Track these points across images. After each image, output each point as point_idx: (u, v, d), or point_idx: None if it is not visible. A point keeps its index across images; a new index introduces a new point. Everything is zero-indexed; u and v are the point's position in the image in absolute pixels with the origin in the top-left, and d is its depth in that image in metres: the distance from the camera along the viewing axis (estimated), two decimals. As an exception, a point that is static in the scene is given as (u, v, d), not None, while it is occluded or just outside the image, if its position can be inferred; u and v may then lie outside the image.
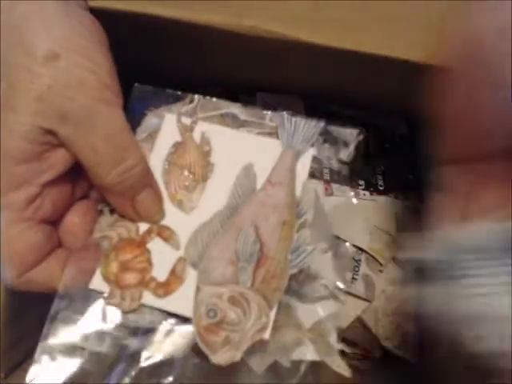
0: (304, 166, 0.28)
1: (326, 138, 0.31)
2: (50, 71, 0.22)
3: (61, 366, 0.24)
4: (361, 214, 0.31)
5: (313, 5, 0.25)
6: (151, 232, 0.27)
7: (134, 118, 0.30)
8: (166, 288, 0.25)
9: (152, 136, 0.30)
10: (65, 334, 0.24)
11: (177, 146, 0.29)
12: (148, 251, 0.26)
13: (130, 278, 0.25)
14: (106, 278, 0.25)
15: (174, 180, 0.28)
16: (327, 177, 0.32)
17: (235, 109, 0.31)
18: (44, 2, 0.22)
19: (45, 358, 0.24)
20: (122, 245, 0.26)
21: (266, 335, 0.24)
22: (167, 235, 0.26)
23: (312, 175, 0.30)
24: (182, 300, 0.25)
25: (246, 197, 0.27)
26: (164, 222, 0.27)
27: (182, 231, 0.27)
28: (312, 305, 0.27)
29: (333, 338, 0.27)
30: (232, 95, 0.44)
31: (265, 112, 0.31)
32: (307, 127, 0.29)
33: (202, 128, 0.29)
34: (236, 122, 0.31)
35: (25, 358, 0.32)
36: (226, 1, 0.25)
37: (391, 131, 0.36)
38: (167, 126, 0.29)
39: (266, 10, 0.25)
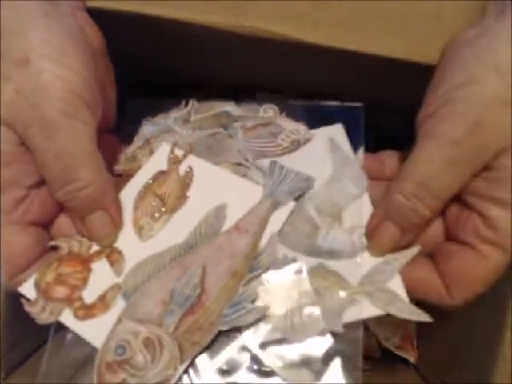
0: (279, 218, 0.26)
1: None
2: (18, 76, 0.21)
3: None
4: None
5: (313, 5, 0.25)
6: (101, 253, 0.26)
7: (130, 130, 0.30)
8: (88, 311, 0.24)
9: (149, 142, 0.30)
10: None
11: (159, 175, 0.28)
12: (89, 270, 0.25)
13: (60, 291, 0.24)
14: (37, 285, 0.24)
15: (144, 206, 0.27)
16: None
17: (229, 107, 0.30)
18: (26, 4, 0.22)
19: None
20: (68, 258, 0.25)
21: None
22: (115, 259, 0.25)
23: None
24: (98, 328, 0.23)
25: (207, 237, 0.26)
26: (118, 245, 0.26)
27: (132, 258, 0.25)
28: (354, 258, 0.25)
29: (394, 283, 0.24)
30: (232, 95, 0.44)
31: (259, 105, 0.30)
32: (296, 179, 0.28)
33: (190, 162, 0.29)
34: (230, 119, 0.30)
35: (25, 359, 0.32)
36: (226, 1, 0.25)
37: (392, 131, 0.36)
38: (158, 155, 0.29)
39: (265, 11, 0.25)
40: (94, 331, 0.23)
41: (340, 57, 0.26)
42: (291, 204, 0.27)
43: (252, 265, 0.25)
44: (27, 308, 0.24)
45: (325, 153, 0.29)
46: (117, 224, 0.26)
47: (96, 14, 0.25)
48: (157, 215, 0.27)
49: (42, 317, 0.24)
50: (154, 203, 0.27)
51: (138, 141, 0.30)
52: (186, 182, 0.28)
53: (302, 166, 0.28)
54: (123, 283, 0.25)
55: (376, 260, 0.25)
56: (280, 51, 0.27)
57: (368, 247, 0.25)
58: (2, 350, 0.29)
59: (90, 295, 0.24)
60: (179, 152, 0.29)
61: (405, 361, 0.38)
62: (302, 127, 0.30)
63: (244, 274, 0.24)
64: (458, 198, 0.23)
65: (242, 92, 0.44)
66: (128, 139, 0.31)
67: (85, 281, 0.25)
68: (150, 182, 0.28)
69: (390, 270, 0.24)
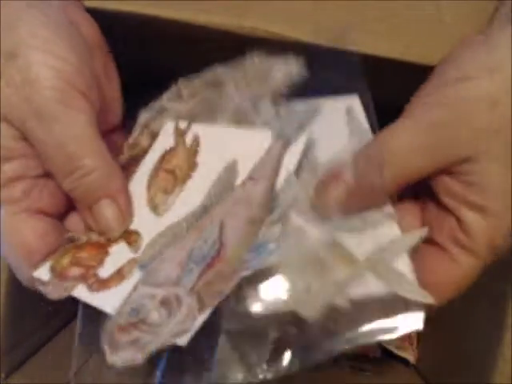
0: (292, 156, 0.25)
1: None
2: (8, 70, 0.21)
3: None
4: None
5: (313, 6, 0.25)
6: (119, 238, 0.25)
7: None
8: (103, 284, 0.23)
9: (147, 126, 0.29)
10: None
11: (168, 152, 0.28)
12: (106, 253, 0.25)
13: (75, 270, 0.24)
14: (52, 269, 0.24)
15: (155, 183, 0.27)
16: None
17: (218, 69, 0.28)
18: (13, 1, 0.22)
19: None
20: (85, 246, 0.25)
21: (182, 341, 0.21)
22: (133, 240, 0.25)
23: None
24: (113, 297, 0.23)
25: (222, 196, 0.25)
26: (134, 227, 0.26)
27: (147, 233, 0.25)
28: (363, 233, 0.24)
29: (402, 263, 0.23)
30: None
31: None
32: (303, 112, 0.27)
33: (195, 130, 0.28)
34: (220, 79, 0.29)
35: (25, 359, 0.32)
36: (226, 2, 0.25)
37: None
38: (164, 134, 0.29)
39: (266, 11, 0.25)
40: (109, 300, 0.23)
41: (340, 57, 0.26)
42: (303, 137, 0.26)
43: (270, 207, 0.24)
44: (40, 287, 0.23)
45: (341, 126, 0.27)
46: (125, 214, 0.25)
47: (96, 15, 0.25)
48: (170, 189, 0.26)
49: (55, 294, 0.23)
50: (165, 179, 0.27)
51: (136, 129, 0.30)
52: (193, 150, 0.28)
53: (317, 138, 0.27)
54: (140, 256, 0.24)
55: (383, 239, 0.24)
56: (280, 51, 0.27)
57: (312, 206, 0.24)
58: (2, 350, 0.29)
59: (106, 272, 0.24)
60: (183, 124, 0.29)
61: (405, 361, 0.38)
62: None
63: (262, 219, 0.24)
64: (437, 199, 0.23)
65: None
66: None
67: (101, 261, 0.24)
68: (161, 160, 0.28)
69: (396, 249, 0.24)
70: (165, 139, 0.29)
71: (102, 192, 0.24)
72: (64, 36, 0.22)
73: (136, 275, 0.23)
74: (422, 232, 0.24)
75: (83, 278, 0.24)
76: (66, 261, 0.24)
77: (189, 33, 0.27)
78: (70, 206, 0.25)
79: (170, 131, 0.29)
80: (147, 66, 0.34)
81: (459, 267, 0.22)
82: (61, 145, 0.22)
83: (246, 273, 0.22)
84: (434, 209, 0.24)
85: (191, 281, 0.22)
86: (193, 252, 0.23)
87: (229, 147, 0.27)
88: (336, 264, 0.23)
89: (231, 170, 0.26)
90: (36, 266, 0.23)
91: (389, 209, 0.24)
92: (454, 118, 0.22)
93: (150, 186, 0.27)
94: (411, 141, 0.22)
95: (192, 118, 0.29)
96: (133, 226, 0.26)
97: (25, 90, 0.21)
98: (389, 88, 0.27)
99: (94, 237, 0.25)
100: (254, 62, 0.27)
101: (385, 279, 0.23)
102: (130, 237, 0.25)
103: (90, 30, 0.25)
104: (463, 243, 0.22)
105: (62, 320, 0.37)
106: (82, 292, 0.23)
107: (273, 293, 0.23)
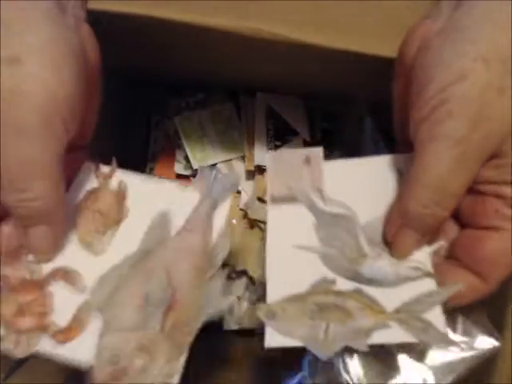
0: (221, 215, 0.28)
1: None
2: (6, 74, 0.21)
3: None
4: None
5: (316, 7, 0.25)
6: (55, 275, 0.26)
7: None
8: (66, 334, 0.24)
9: None
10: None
11: (91, 192, 0.28)
12: (50, 295, 0.25)
13: (27, 321, 0.24)
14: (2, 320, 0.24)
15: (85, 223, 0.27)
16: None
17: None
18: (32, 7, 0.22)
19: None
20: (22, 287, 0.25)
21: (175, 380, 0.23)
22: (72, 278, 0.26)
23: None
24: (83, 347, 0.23)
25: (160, 242, 0.27)
26: (71, 265, 0.26)
27: (89, 274, 0.26)
28: (395, 287, 0.25)
29: (433, 314, 0.24)
30: (232, 95, 0.44)
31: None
32: (227, 177, 0.29)
33: (120, 177, 0.29)
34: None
35: (25, 359, 0.32)
36: (230, 1, 0.25)
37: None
38: (84, 174, 0.29)
39: (269, 12, 0.25)
40: (81, 351, 0.23)
41: (342, 58, 0.26)
42: (229, 201, 0.29)
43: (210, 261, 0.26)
44: (1, 346, 0.23)
45: (383, 182, 0.27)
46: (56, 245, 0.26)
47: (96, 15, 0.25)
48: (102, 229, 0.27)
49: (18, 351, 0.23)
50: (94, 219, 0.28)
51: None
52: (121, 194, 0.29)
53: (362, 187, 0.27)
54: (92, 299, 0.25)
55: (417, 292, 0.24)
56: (281, 52, 0.27)
57: (391, 253, 0.25)
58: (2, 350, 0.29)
59: (61, 318, 0.24)
60: (105, 168, 0.29)
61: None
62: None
63: (205, 268, 0.26)
64: (470, 190, 0.24)
65: (243, 92, 0.44)
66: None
67: (49, 306, 0.25)
68: (85, 200, 0.28)
69: (431, 302, 0.24)
70: (84, 179, 0.29)
71: (43, 220, 0.24)
72: (70, 60, 0.23)
73: (95, 321, 0.24)
74: (458, 287, 0.24)
75: (42, 328, 0.24)
76: (10, 309, 0.24)
77: (190, 34, 0.27)
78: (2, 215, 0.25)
79: (90, 171, 0.29)
80: (148, 66, 0.34)
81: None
82: (23, 161, 0.22)
83: (204, 319, 0.24)
84: (468, 198, 0.24)
85: (157, 322, 0.24)
86: (149, 297, 0.25)
87: (158, 197, 0.28)
88: (361, 313, 0.24)
89: (164, 218, 0.28)
90: None
91: (428, 267, 0.25)
92: (476, 121, 0.21)
93: (79, 224, 0.27)
94: (451, 162, 0.22)
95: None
96: (69, 264, 0.26)
97: (13, 97, 0.21)
98: (389, 88, 0.27)
99: (27, 273, 0.25)
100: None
101: (412, 328, 0.23)
102: (67, 275, 0.26)
103: (92, 54, 0.25)
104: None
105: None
106: (48, 346, 0.24)
107: (288, 329, 0.24)
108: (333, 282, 0.25)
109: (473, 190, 0.24)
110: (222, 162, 0.42)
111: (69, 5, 0.24)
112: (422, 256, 0.25)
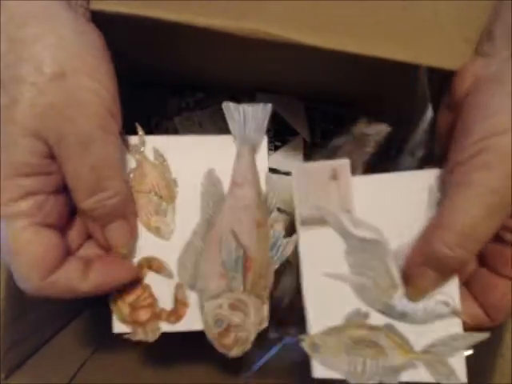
0: (262, 158, 0.28)
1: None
2: (54, 89, 0.22)
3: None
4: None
5: (313, 7, 0.25)
6: (141, 267, 0.28)
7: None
8: (176, 315, 0.28)
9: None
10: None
11: (134, 173, 0.28)
12: (148, 287, 0.28)
13: (142, 314, 0.28)
14: (123, 321, 0.28)
15: (143, 208, 0.28)
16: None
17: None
18: (56, 22, 0.22)
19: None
20: (124, 288, 0.27)
21: (265, 324, 0.28)
22: (156, 266, 0.28)
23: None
24: (192, 320, 0.28)
25: (217, 206, 0.28)
26: (149, 254, 0.28)
27: (168, 257, 0.28)
28: (424, 325, 0.26)
29: (456, 360, 0.26)
30: (232, 95, 0.44)
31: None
32: (256, 112, 0.28)
33: (152, 143, 0.28)
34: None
35: (25, 359, 0.32)
36: (226, 4, 0.25)
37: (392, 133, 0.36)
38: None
39: (266, 13, 0.25)
40: (192, 323, 0.28)
41: (340, 59, 0.26)
42: (265, 140, 0.29)
43: (266, 208, 0.28)
44: (136, 339, 0.28)
45: (412, 200, 0.27)
46: (134, 234, 0.28)
47: (97, 15, 0.25)
48: (162, 210, 0.28)
49: (151, 336, 0.28)
50: (150, 202, 0.28)
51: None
52: (161, 164, 0.28)
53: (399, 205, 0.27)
54: (181, 279, 0.28)
55: (444, 332, 0.26)
56: (280, 52, 0.27)
57: (407, 292, 0.26)
58: (2, 350, 0.29)
59: (166, 303, 0.28)
60: (134, 139, 0.28)
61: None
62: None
63: (265, 220, 0.28)
64: (494, 238, 0.24)
65: (242, 93, 0.44)
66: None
67: (153, 296, 0.28)
68: (131, 182, 0.28)
69: (456, 346, 0.26)
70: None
71: (120, 214, 0.26)
72: (102, 62, 0.24)
73: (192, 296, 0.28)
74: (484, 336, 0.25)
75: (157, 317, 0.28)
76: (124, 309, 0.28)
77: (189, 34, 0.27)
78: (68, 221, 0.26)
79: (123, 150, 0.28)
80: (148, 66, 0.34)
81: None
82: (95, 166, 0.23)
83: (275, 266, 0.28)
84: (493, 243, 0.25)
85: (240, 284, 0.27)
86: (226, 264, 0.27)
87: (197, 156, 0.28)
88: (393, 352, 0.26)
89: (212, 178, 0.28)
90: (47, 277, 0.24)
91: (456, 303, 0.26)
92: (510, 175, 0.22)
93: (138, 211, 0.28)
94: (482, 210, 0.22)
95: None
96: (147, 253, 0.28)
97: (69, 111, 0.22)
98: (388, 88, 0.27)
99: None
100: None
101: (436, 372, 0.26)
102: (151, 264, 0.28)
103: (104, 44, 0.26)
104: None
105: (62, 320, 0.37)
106: (168, 327, 0.28)
107: (330, 361, 0.27)
108: (365, 315, 0.26)
109: (496, 235, 0.24)
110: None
111: (77, 5, 0.24)
112: (451, 287, 0.26)
